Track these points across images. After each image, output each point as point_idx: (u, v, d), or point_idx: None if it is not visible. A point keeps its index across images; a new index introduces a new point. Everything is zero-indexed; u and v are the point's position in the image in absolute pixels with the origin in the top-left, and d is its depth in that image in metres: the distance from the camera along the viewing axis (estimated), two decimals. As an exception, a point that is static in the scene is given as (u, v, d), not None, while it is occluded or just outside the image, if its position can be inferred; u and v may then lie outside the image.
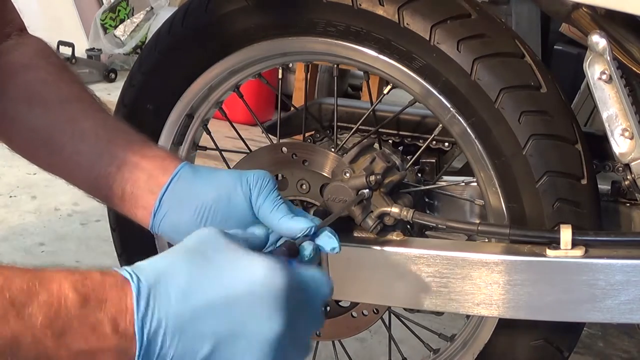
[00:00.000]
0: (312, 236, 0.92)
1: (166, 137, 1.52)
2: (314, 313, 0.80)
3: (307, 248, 0.89)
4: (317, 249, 0.91)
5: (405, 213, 1.21)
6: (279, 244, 0.92)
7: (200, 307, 0.73)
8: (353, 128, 1.48)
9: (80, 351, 0.70)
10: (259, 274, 0.74)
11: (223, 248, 0.77)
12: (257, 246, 0.85)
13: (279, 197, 0.96)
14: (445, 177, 1.49)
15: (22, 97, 1.05)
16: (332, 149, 1.38)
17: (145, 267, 0.74)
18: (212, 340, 0.73)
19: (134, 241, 1.57)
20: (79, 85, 1.08)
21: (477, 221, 1.38)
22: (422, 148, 1.45)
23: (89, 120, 1.03)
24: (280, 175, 1.35)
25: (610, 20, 1.24)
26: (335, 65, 1.46)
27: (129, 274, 0.72)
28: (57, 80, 1.07)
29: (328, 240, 0.94)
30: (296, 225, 0.92)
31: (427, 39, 1.25)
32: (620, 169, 1.27)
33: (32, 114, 1.04)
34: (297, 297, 0.76)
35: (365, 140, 1.45)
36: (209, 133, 1.56)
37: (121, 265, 0.81)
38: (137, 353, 0.70)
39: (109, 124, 1.05)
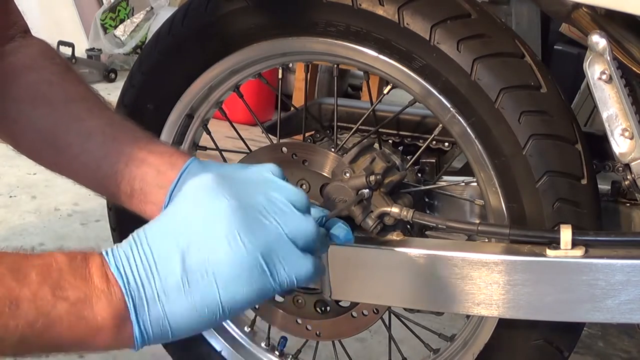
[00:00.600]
0: (322, 225, 0.95)
1: (166, 137, 1.52)
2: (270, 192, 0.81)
3: (320, 232, 0.90)
4: (327, 237, 0.94)
5: (405, 213, 1.21)
6: None
7: (156, 231, 0.77)
8: (353, 128, 1.48)
9: (77, 299, 0.72)
10: (193, 183, 0.79)
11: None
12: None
13: None
14: (445, 177, 1.49)
15: (26, 98, 1.06)
16: (332, 149, 1.38)
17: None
18: (178, 248, 0.75)
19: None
20: (83, 85, 1.09)
21: (477, 221, 1.38)
22: (422, 148, 1.45)
23: (94, 119, 1.04)
24: (280, 175, 1.35)
25: (610, 20, 1.24)
26: (335, 65, 1.46)
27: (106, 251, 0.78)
28: (62, 81, 1.07)
29: (342, 231, 0.96)
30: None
31: (427, 39, 1.25)
32: (620, 169, 1.27)
33: (37, 114, 1.05)
34: (240, 179, 0.80)
35: (365, 140, 1.45)
36: (209, 133, 1.56)
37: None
38: (123, 290, 0.74)
39: (115, 122, 1.05)
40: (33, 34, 1.15)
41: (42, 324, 0.71)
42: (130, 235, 0.78)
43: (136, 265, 0.75)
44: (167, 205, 0.98)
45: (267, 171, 0.85)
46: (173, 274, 0.74)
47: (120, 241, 0.80)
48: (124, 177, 1.00)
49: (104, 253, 0.76)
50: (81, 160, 1.03)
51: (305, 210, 0.81)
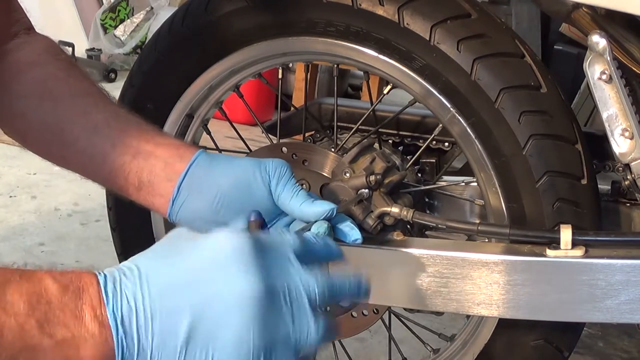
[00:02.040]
0: (330, 220, 0.96)
1: (166, 137, 1.52)
2: (298, 274, 0.75)
3: (322, 226, 0.92)
4: (331, 230, 0.95)
5: (405, 213, 1.21)
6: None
7: (168, 284, 0.71)
8: (353, 128, 1.48)
9: (63, 339, 0.68)
10: (223, 238, 0.73)
11: (191, 236, 0.76)
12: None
13: (297, 184, 0.99)
14: (445, 177, 1.49)
15: (32, 93, 1.06)
16: (332, 149, 1.38)
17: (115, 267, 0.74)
18: (190, 313, 0.70)
19: (134, 241, 1.57)
20: (88, 80, 1.09)
21: (477, 221, 1.38)
22: (422, 148, 1.45)
23: (100, 113, 1.04)
24: (280, 175, 1.35)
25: (610, 20, 1.24)
26: (335, 65, 1.46)
27: (97, 272, 0.72)
28: (67, 76, 1.08)
29: (350, 231, 0.98)
30: (318, 208, 0.95)
31: (427, 39, 1.25)
32: (620, 169, 1.27)
33: (43, 109, 1.05)
34: (268, 258, 0.74)
35: (365, 140, 1.45)
36: (209, 133, 1.56)
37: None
38: (115, 341, 0.69)
39: (121, 116, 1.05)
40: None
41: (25, 357, 0.67)
42: (136, 274, 0.72)
43: (136, 318, 0.70)
44: (175, 198, 0.98)
45: (292, 245, 0.78)
46: (173, 341, 0.70)
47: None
48: (132, 170, 1.00)
49: (102, 291, 0.70)
50: (88, 154, 1.03)
51: (315, 303, 0.75)
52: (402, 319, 1.56)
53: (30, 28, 1.13)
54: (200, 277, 0.71)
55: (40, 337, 0.68)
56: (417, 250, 1.22)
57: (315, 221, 0.94)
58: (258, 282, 0.71)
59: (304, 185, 1.33)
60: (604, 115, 1.17)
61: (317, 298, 0.75)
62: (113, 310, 0.69)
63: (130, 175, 1.00)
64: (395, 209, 1.22)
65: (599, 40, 1.14)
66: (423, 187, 1.44)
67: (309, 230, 0.94)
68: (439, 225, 1.24)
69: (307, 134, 1.59)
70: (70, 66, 1.10)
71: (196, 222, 0.94)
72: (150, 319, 0.70)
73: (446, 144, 1.52)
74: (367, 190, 1.21)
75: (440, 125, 1.35)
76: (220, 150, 1.59)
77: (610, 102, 1.16)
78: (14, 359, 0.67)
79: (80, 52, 4.60)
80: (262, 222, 0.90)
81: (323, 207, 0.96)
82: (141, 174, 1.00)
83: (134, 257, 0.75)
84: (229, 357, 0.70)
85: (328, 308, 0.80)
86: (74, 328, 0.69)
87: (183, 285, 0.71)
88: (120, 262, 1.63)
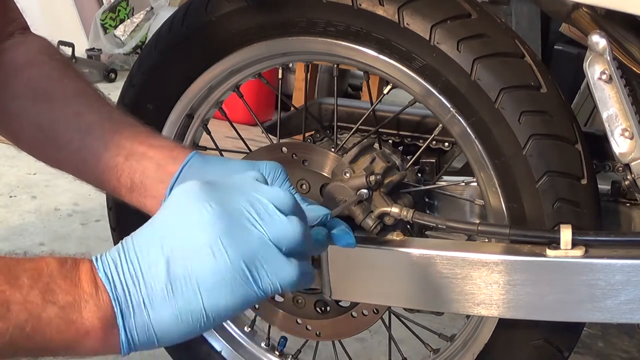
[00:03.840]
0: (325, 225, 0.94)
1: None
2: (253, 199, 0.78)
3: (320, 232, 0.91)
4: (327, 236, 0.93)
5: (405, 213, 1.21)
6: None
7: (143, 239, 0.76)
8: (353, 128, 1.48)
9: (66, 304, 0.72)
10: (178, 190, 0.78)
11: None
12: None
13: (292, 187, 0.98)
14: (445, 177, 1.49)
15: (27, 94, 1.06)
16: (332, 149, 1.38)
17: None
18: (162, 255, 0.74)
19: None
20: (83, 81, 1.09)
21: (477, 221, 1.38)
22: (422, 148, 1.45)
23: (94, 114, 1.04)
24: (280, 175, 1.35)
25: (610, 20, 1.24)
26: (335, 65, 1.46)
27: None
28: (62, 76, 1.07)
29: (344, 235, 0.95)
30: (312, 213, 0.93)
31: (427, 39, 1.25)
32: (620, 169, 1.27)
33: (37, 110, 1.05)
34: (223, 185, 0.78)
35: (365, 140, 1.45)
36: (209, 133, 1.56)
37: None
38: (111, 297, 0.73)
39: (115, 117, 1.05)
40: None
41: (32, 327, 0.71)
42: (119, 242, 0.78)
43: (123, 272, 0.74)
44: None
45: (253, 176, 0.83)
46: (158, 281, 0.74)
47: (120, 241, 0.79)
48: (124, 171, 1.00)
49: (93, 259, 0.76)
50: (81, 155, 1.03)
51: (291, 213, 0.79)
52: (402, 319, 1.56)
53: (25, 28, 1.13)
54: (164, 224, 0.76)
55: (43, 305, 0.71)
56: (417, 250, 1.22)
57: (312, 226, 0.92)
58: (212, 203, 0.75)
59: (304, 186, 1.33)
60: (604, 115, 1.17)
61: (284, 204, 0.79)
62: (104, 272, 0.74)
63: (122, 176, 1.01)
64: (395, 209, 1.22)
65: (599, 40, 1.14)
66: (423, 187, 1.44)
67: None
68: (439, 225, 1.24)
69: (307, 134, 1.59)
70: (65, 66, 1.10)
71: None
72: (134, 271, 0.74)
73: (446, 144, 1.52)
74: (367, 191, 1.21)
75: (440, 125, 1.35)
76: (220, 151, 1.59)
77: (610, 102, 1.16)
78: (21, 329, 0.70)
79: (80, 52, 4.60)
80: None
81: (317, 212, 0.93)
82: (134, 175, 1.00)
83: None
84: (213, 277, 0.74)
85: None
86: (74, 293, 0.73)
87: (155, 235, 0.76)
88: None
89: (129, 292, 0.74)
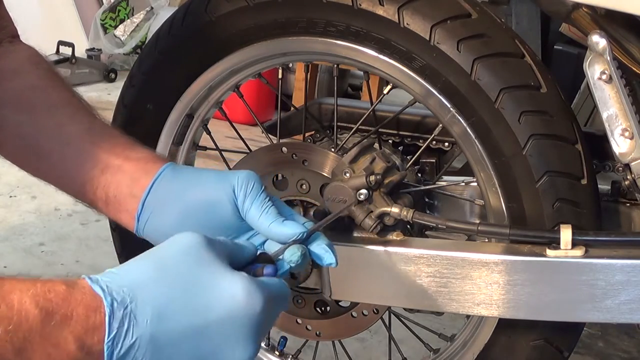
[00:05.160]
0: (303, 241, 0.88)
1: (166, 137, 1.52)
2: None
3: (295, 253, 0.86)
4: (306, 255, 0.87)
5: (405, 213, 1.21)
6: (259, 252, 0.88)
7: (177, 331, 0.71)
8: (353, 128, 1.48)
9: None
10: (239, 298, 0.73)
11: (204, 263, 0.75)
12: (244, 260, 0.83)
13: (267, 200, 0.92)
14: (445, 177, 1.49)
15: (10, 103, 1.04)
16: (332, 149, 1.38)
17: (119, 280, 0.72)
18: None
19: (134, 241, 1.57)
20: (68, 90, 1.07)
21: (477, 221, 1.38)
22: (422, 148, 1.45)
23: (75, 125, 1.02)
24: (280, 175, 1.35)
25: (610, 20, 1.24)
26: (335, 65, 1.46)
27: (102, 289, 0.71)
28: (46, 86, 1.06)
29: (324, 254, 0.90)
30: (287, 230, 0.89)
31: (427, 39, 1.25)
32: (620, 169, 1.27)
33: (20, 120, 1.03)
34: (268, 319, 0.75)
35: (365, 140, 1.45)
36: (209, 133, 1.56)
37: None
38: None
39: (95, 128, 1.03)
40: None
41: None
42: (149, 292, 0.72)
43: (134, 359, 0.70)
44: (139, 214, 0.95)
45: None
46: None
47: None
48: (100, 185, 0.98)
49: (105, 322, 0.69)
50: (60, 167, 1.01)
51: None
52: (402, 319, 1.56)
53: (14, 36, 1.12)
54: (209, 332, 0.73)
55: None
56: (417, 250, 1.22)
57: (289, 244, 0.87)
58: (253, 353, 0.74)
59: (304, 186, 1.33)
60: (604, 115, 1.17)
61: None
62: (113, 342, 0.69)
63: (98, 190, 0.98)
64: (395, 209, 1.22)
65: (599, 40, 1.14)
66: (423, 187, 1.44)
67: (282, 255, 0.86)
68: (439, 225, 1.24)
69: (307, 134, 1.59)
70: (50, 75, 1.08)
71: (162, 238, 0.85)
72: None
73: (446, 144, 1.52)
74: (366, 191, 1.21)
75: (440, 125, 1.35)
76: (220, 151, 1.59)
77: (610, 102, 1.16)
78: None
79: (80, 52, 4.60)
80: (269, 258, 0.86)
81: (293, 229, 0.88)
82: (108, 189, 0.97)
83: (143, 262, 0.76)
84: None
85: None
86: (55, 358, 0.68)
87: (191, 334, 0.72)
88: (120, 262, 1.64)
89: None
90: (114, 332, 0.69)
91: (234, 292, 0.73)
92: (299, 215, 0.95)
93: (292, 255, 0.86)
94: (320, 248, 0.90)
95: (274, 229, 0.90)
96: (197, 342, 0.72)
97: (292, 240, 0.88)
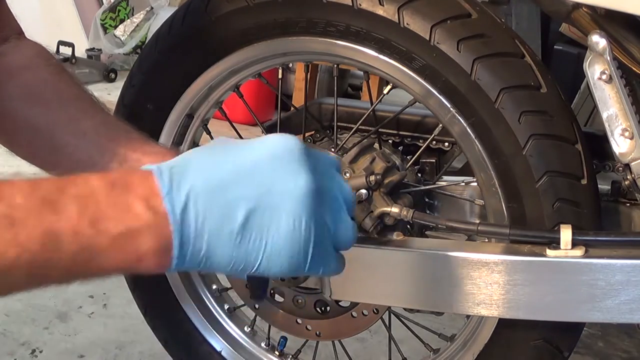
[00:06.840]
0: None
1: (166, 137, 1.52)
2: (336, 203, 0.80)
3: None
4: None
5: (405, 213, 1.21)
6: None
7: (226, 175, 0.74)
8: (353, 128, 1.48)
9: (119, 234, 0.71)
10: (276, 140, 0.78)
11: (235, 141, 0.80)
12: None
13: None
14: (445, 177, 1.49)
15: (22, 97, 1.06)
16: (332, 149, 1.38)
17: (165, 162, 0.76)
18: (245, 205, 0.73)
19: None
20: (78, 86, 1.09)
21: (477, 221, 1.38)
22: (422, 148, 1.45)
23: (89, 119, 1.04)
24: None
25: (610, 20, 1.24)
26: (335, 65, 1.46)
27: (150, 167, 0.75)
28: (57, 81, 1.08)
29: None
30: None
31: (427, 39, 1.25)
32: (620, 169, 1.27)
33: (33, 113, 1.05)
34: (315, 163, 0.78)
35: (365, 140, 1.45)
36: (209, 133, 1.56)
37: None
38: (172, 229, 0.71)
39: (110, 123, 1.05)
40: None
41: (84, 257, 0.70)
42: (191, 167, 0.74)
43: (193, 205, 0.72)
44: None
45: (334, 163, 0.84)
46: (231, 225, 0.73)
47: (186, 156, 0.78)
48: None
49: (157, 181, 0.72)
50: (76, 159, 1.03)
51: (352, 215, 0.82)
52: (402, 319, 1.56)
53: (20, 33, 1.14)
54: (256, 171, 0.75)
55: (94, 236, 0.70)
56: (417, 250, 1.22)
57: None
58: (310, 181, 0.75)
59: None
60: (604, 115, 1.17)
61: (350, 207, 0.81)
62: (170, 197, 0.72)
63: None
64: (395, 209, 1.22)
65: (599, 40, 1.14)
66: (423, 187, 1.44)
67: None
68: (439, 225, 1.25)
69: (307, 134, 1.59)
70: (61, 71, 1.10)
71: None
72: (209, 208, 0.73)
73: (446, 144, 1.52)
74: (366, 191, 1.21)
75: (440, 125, 1.35)
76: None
77: (610, 102, 1.16)
78: (73, 260, 0.70)
79: (80, 52, 4.60)
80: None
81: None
82: None
83: (183, 154, 0.78)
84: (282, 245, 0.75)
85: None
86: (127, 221, 0.71)
87: (240, 176, 0.75)
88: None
89: (195, 227, 0.72)
90: (166, 187, 0.72)
91: (270, 138, 0.79)
92: None
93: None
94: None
95: None
96: (248, 182, 0.74)
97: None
